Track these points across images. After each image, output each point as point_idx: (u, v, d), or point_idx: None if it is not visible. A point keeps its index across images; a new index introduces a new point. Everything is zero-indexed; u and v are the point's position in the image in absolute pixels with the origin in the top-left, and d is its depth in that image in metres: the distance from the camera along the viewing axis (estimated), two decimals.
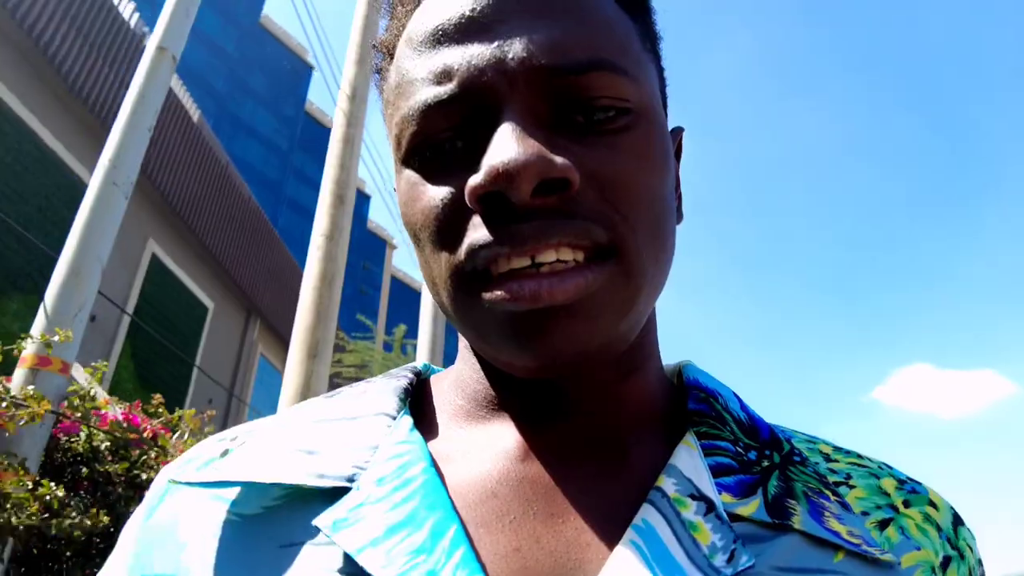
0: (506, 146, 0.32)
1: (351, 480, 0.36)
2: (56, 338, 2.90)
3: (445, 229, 0.36)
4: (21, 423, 2.57)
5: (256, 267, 9.13)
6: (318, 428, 0.41)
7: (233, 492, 0.39)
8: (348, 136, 4.69)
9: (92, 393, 3.15)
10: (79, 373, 3.52)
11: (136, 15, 6.80)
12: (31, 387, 2.76)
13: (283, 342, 10.36)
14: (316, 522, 0.34)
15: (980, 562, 0.41)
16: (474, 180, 0.33)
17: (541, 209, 0.33)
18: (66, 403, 3.00)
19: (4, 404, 2.55)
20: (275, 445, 0.40)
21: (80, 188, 6.06)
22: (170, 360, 7.52)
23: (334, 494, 0.36)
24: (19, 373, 2.91)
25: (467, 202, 0.34)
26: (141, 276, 7.11)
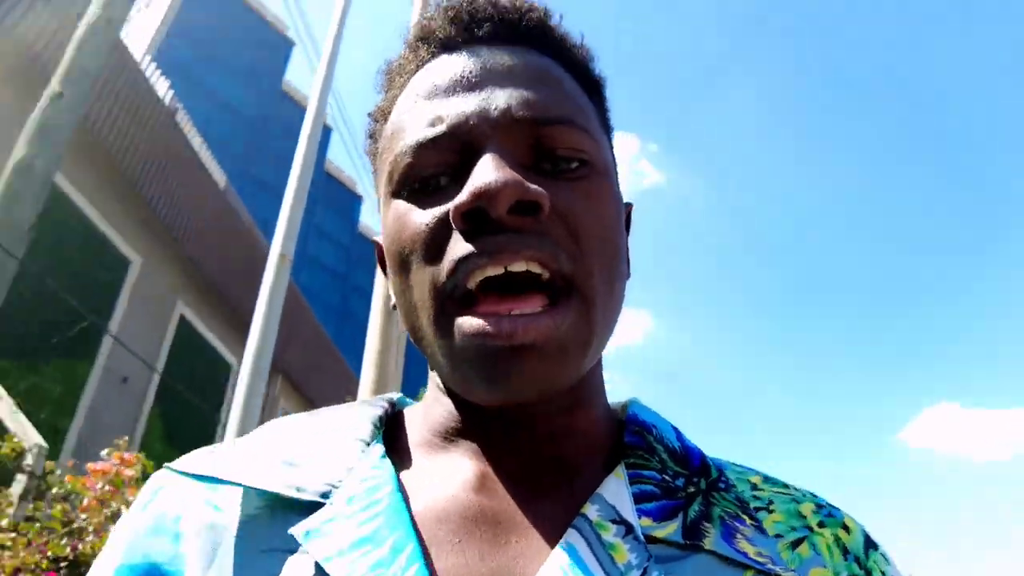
0: (487, 170, 0.38)
1: (325, 496, 0.40)
2: None
3: (431, 248, 0.40)
4: None
5: (278, 327, 9.33)
6: (300, 441, 0.45)
7: (221, 497, 0.43)
8: None
9: None
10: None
11: (156, 70, 7.17)
12: None
13: (303, 398, 10.51)
14: (291, 531, 0.38)
15: None
16: (458, 200, 0.38)
17: (517, 227, 0.38)
18: None
19: None
20: (261, 453, 0.44)
21: (115, 253, 6.35)
22: (196, 419, 7.70)
23: (310, 507, 0.40)
24: None
25: (451, 221, 0.39)
26: (169, 338, 7.36)
